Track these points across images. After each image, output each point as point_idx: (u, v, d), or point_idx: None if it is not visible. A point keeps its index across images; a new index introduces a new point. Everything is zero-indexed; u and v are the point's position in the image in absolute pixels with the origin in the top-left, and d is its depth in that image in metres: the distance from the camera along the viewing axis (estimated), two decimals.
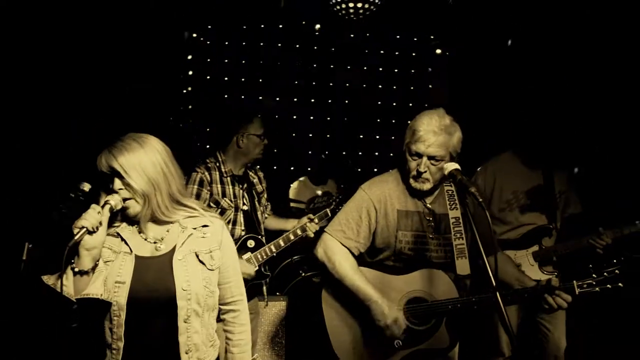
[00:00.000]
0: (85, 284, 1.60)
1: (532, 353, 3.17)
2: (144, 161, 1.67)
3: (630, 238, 2.90)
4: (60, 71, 3.93)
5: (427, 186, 2.27)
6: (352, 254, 2.36)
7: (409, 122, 2.34)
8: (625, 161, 3.77)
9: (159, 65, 4.82)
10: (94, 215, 1.57)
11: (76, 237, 1.53)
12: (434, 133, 2.18)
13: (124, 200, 1.67)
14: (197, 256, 1.76)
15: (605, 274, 2.11)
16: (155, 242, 1.76)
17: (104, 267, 1.68)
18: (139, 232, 1.77)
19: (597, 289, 2.11)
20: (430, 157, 2.22)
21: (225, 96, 5.62)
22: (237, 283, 1.90)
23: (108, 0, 4.13)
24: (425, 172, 2.24)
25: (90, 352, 1.75)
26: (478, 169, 3.24)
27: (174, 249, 1.75)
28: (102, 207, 1.62)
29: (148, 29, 4.58)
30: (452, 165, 2.10)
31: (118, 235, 1.75)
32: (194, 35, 5.53)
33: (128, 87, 4.45)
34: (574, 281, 2.15)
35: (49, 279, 1.62)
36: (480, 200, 1.84)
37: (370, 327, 2.29)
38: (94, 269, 1.63)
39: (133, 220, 1.76)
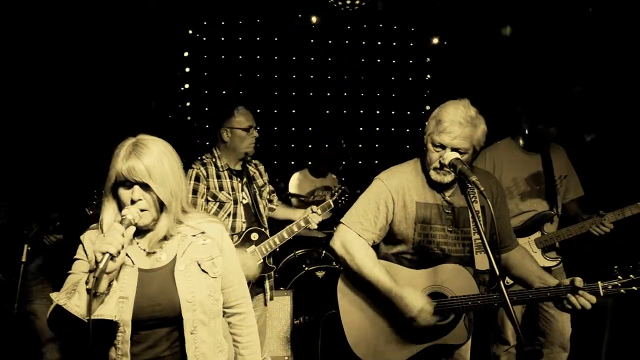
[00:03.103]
0: (97, 304, 1.49)
1: (537, 341, 3.13)
2: (167, 169, 1.55)
3: (632, 219, 2.86)
4: (60, 71, 3.93)
5: (448, 179, 2.17)
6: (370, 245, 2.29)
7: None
8: (626, 142, 3.75)
9: (156, 63, 4.81)
10: (118, 239, 1.43)
11: (101, 266, 1.40)
12: (459, 125, 2.07)
13: (141, 211, 1.53)
14: (199, 265, 1.66)
15: (631, 276, 2.04)
16: (154, 253, 1.65)
17: (117, 286, 1.54)
18: (137, 243, 1.65)
19: (622, 290, 2.05)
20: (453, 149, 2.11)
21: (224, 92, 5.61)
22: (240, 286, 1.82)
23: (107, 0, 4.13)
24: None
25: None
26: (476, 157, 3.22)
27: (174, 259, 1.64)
28: (123, 224, 1.48)
29: (145, 27, 4.56)
30: (452, 155, 2.04)
31: None
32: (190, 32, 5.51)
33: (130, 86, 4.45)
34: (599, 282, 2.07)
35: (59, 299, 1.48)
36: (482, 189, 1.79)
37: (388, 319, 2.23)
38: (108, 289, 1.51)
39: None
